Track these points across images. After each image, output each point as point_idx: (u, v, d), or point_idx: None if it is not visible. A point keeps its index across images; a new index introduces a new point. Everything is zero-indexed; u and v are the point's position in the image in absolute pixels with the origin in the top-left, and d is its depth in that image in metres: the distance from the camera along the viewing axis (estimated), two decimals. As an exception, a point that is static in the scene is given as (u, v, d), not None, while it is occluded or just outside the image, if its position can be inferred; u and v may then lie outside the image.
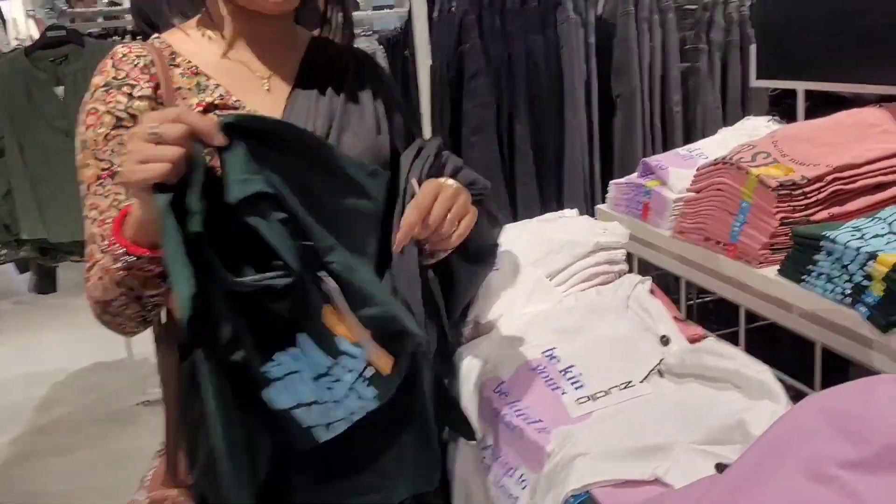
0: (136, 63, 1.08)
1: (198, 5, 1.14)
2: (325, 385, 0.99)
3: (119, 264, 0.96)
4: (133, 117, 1.06)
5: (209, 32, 1.15)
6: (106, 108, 1.06)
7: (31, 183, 2.96)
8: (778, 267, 1.35)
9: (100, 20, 4.15)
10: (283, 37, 1.18)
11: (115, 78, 1.07)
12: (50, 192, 2.96)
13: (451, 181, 1.06)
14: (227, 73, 1.12)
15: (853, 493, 0.73)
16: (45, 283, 3.88)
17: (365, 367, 1.00)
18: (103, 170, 1.06)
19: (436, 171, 1.15)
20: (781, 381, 1.11)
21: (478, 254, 1.20)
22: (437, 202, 1.00)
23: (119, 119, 1.06)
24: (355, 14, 4.08)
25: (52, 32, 3.17)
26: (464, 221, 1.03)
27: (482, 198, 1.17)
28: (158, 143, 0.85)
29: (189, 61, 1.12)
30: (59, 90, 3.08)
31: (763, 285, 1.39)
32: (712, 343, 1.22)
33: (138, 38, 3.51)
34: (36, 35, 6.53)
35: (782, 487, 0.77)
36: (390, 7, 4.61)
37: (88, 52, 3.13)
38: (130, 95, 1.06)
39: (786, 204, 1.38)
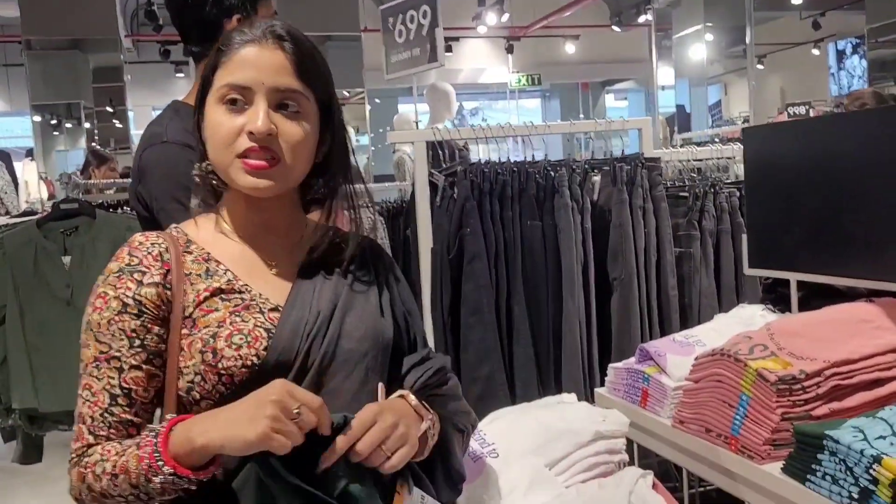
0: (150, 251, 1.13)
1: (207, 190, 1.21)
2: None
3: (157, 478, 0.98)
4: (139, 304, 1.09)
5: (221, 221, 1.20)
6: (115, 294, 1.09)
7: (26, 351, 2.96)
8: (782, 464, 1.34)
9: (114, 192, 4.29)
10: (289, 225, 1.22)
11: (128, 265, 1.12)
12: (43, 362, 2.96)
13: (397, 408, 1.09)
14: (237, 259, 1.17)
15: None
16: (31, 454, 3.77)
17: None
18: (101, 353, 1.08)
19: (434, 385, 1.19)
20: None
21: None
22: (370, 431, 1.03)
23: (125, 305, 1.09)
24: (359, 186, 4.24)
25: (65, 205, 3.27)
26: (397, 454, 1.04)
27: (463, 432, 1.24)
28: (293, 420, 0.96)
29: (202, 248, 1.17)
30: (66, 260, 3.15)
31: (767, 482, 1.37)
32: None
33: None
34: (45, 197, 6.75)
35: None
36: (391, 179, 4.80)
37: (99, 223, 3.23)
38: (140, 283, 1.10)
39: (785, 398, 1.38)
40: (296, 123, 1.12)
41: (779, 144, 1.94)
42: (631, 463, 1.69)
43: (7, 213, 5.10)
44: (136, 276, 1.11)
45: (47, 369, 2.93)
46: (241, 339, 1.08)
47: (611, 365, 2.02)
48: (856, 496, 1.15)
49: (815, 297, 1.91)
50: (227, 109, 1.11)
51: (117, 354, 1.08)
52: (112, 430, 1.06)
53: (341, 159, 1.22)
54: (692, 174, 2.76)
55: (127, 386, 1.07)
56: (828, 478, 1.21)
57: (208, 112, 1.14)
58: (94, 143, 9.01)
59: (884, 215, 1.59)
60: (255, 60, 1.11)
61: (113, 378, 1.07)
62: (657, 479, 1.43)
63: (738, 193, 2.56)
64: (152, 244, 1.14)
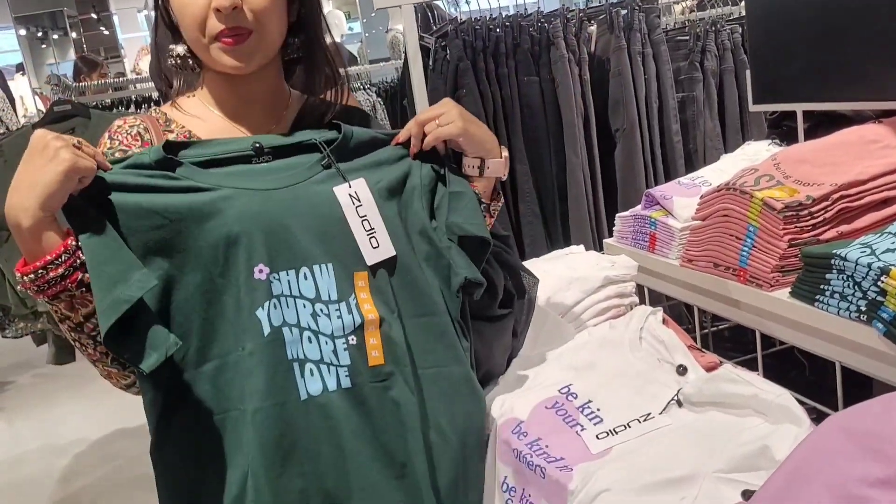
0: (129, 132, 1.14)
1: (183, 74, 1.18)
2: (316, 311, 1.07)
3: (31, 290, 0.98)
4: None
5: (204, 100, 1.19)
6: None
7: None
8: (790, 289, 1.34)
9: (108, 92, 4.21)
10: (272, 98, 1.21)
11: (109, 148, 1.13)
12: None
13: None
14: (219, 134, 1.16)
15: (884, 512, 0.71)
16: (63, 354, 3.88)
17: (354, 335, 1.08)
18: None
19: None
20: (803, 403, 1.09)
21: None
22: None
23: None
24: (353, 69, 4.14)
25: (58, 107, 3.22)
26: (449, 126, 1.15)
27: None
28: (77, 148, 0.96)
29: (183, 126, 1.17)
30: (66, 162, 3.12)
31: (776, 308, 1.37)
32: (728, 370, 1.20)
33: (143, 106, 3.57)
34: (44, 110, 6.67)
35: (811, 511, 0.76)
36: (386, 60, 4.68)
37: (95, 122, 3.18)
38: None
39: (793, 225, 1.37)
40: None
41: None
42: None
43: (7, 130, 5.04)
44: (117, 155, 1.10)
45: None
46: None
47: (618, 215, 2.01)
48: (864, 309, 1.16)
49: (821, 127, 1.87)
50: None
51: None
52: None
53: (313, 13, 1.18)
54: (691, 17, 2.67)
55: None
56: (836, 295, 1.22)
57: None
58: (83, 52, 8.82)
59: (888, 34, 1.53)
60: None
61: None
62: (667, 315, 1.44)
63: (740, 30, 2.47)
64: (130, 126, 1.15)
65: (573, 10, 2.45)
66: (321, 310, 1.07)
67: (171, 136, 1.15)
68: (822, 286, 1.25)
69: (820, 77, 1.78)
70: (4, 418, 4.31)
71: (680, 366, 1.30)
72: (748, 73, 2.03)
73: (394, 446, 1.11)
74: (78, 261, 0.97)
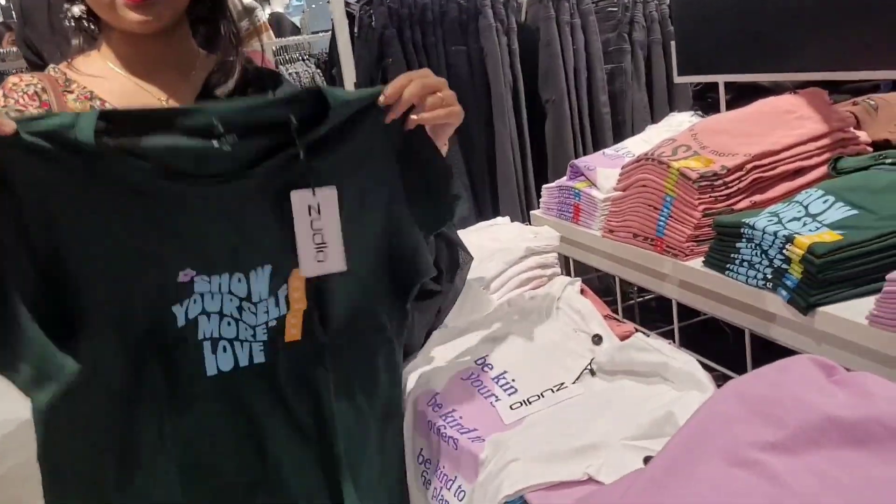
0: (26, 91, 1.07)
1: (84, 32, 1.12)
2: (243, 307, 0.98)
3: None
4: None
5: (106, 60, 1.13)
6: None
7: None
8: (703, 258, 1.36)
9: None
10: (181, 58, 1.15)
11: (3, 106, 1.05)
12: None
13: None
14: (123, 97, 1.10)
15: (774, 475, 0.72)
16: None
17: (276, 320, 1.01)
18: None
19: None
20: (714, 370, 1.10)
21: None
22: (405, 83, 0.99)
23: None
24: (293, 38, 4.05)
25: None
26: (435, 112, 1.00)
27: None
28: None
29: (84, 87, 1.10)
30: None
31: (691, 277, 1.39)
32: (640, 338, 1.21)
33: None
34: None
35: (705, 475, 0.76)
36: (326, 31, 4.59)
37: None
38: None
39: (707, 195, 1.39)
40: None
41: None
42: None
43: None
44: (13, 115, 1.03)
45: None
46: None
47: (544, 186, 2.01)
48: (769, 276, 1.17)
49: (743, 98, 1.89)
50: None
51: None
52: None
53: None
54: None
55: None
56: (745, 264, 1.23)
57: None
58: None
59: (805, 6, 1.55)
60: None
61: None
62: (585, 286, 1.45)
63: (668, 1, 2.48)
64: (27, 84, 1.08)
65: (502, -21, 2.42)
66: (248, 307, 0.99)
67: (70, 97, 1.08)
68: (732, 255, 1.27)
69: (741, 49, 1.80)
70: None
71: (595, 335, 1.30)
72: (674, 44, 2.04)
73: (308, 420, 1.07)
74: None
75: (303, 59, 3.50)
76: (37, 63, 1.55)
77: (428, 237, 1.13)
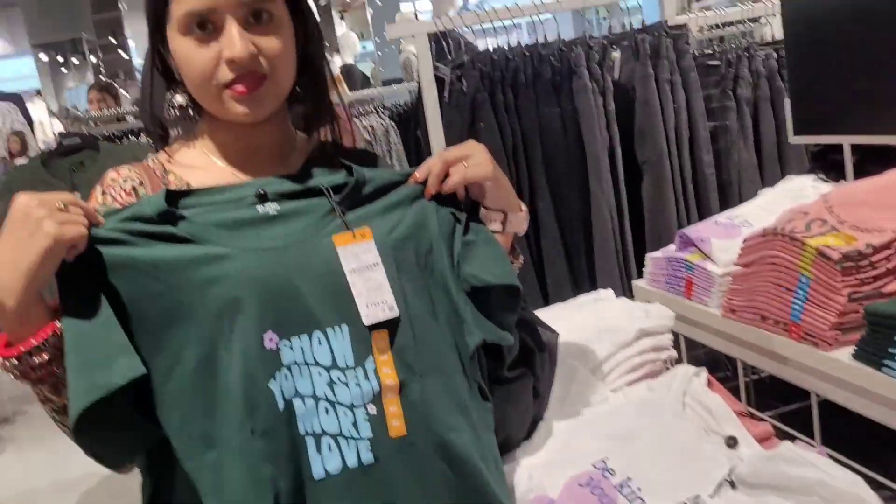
0: (123, 186, 1.06)
1: (185, 121, 1.09)
2: (333, 380, 0.96)
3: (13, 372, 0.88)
4: None
5: (205, 149, 1.11)
6: None
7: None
8: (852, 350, 1.20)
9: (114, 124, 4.15)
10: (280, 143, 1.12)
11: (102, 204, 1.05)
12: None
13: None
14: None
15: None
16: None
17: (373, 403, 0.97)
18: None
19: None
20: (867, 477, 0.95)
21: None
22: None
23: None
24: (366, 92, 4.04)
25: (66, 140, 3.15)
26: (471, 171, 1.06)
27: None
28: (63, 211, 0.87)
29: (181, 178, 1.08)
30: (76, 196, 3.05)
31: (836, 370, 1.24)
32: (790, 448, 1.06)
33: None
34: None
35: None
36: (399, 81, 4.59)
37: (104, 155, 3.11)
38: None
39: (851, 277, 1.24)
40: (273, 35, 0.99)
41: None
42: (678, 356, 1.58)
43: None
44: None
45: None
46: None
47: (648, 255, 1.88)
48: (944, 380, 1.02)
49: (871, 162, 1.73)
50: (195, 40, 0.97)
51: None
52: None
53: (318, 48, 1.09)
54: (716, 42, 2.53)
55: None
56: (908, 360, 1.08)
57: (175, 45, 1.00)
58: (100, 76, 8.88)
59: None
60: None
61: None
62: (710, 376, 1.30)
63: (775, 55, 2.34)
64: (125, 179, 1.07)
65: (596, 38, 2.32)
66: (338, 378, 0.96)
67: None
68: (890, 349, 1.12)
69: (868, 107, 1.65)
70: (15, 449, 4.24)
71: (730, 437, 1.16)
72: (787, 101, 1.90)
73: None
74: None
75: (377, 112, 3.46)
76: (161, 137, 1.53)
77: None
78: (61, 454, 4.26)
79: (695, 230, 1.73)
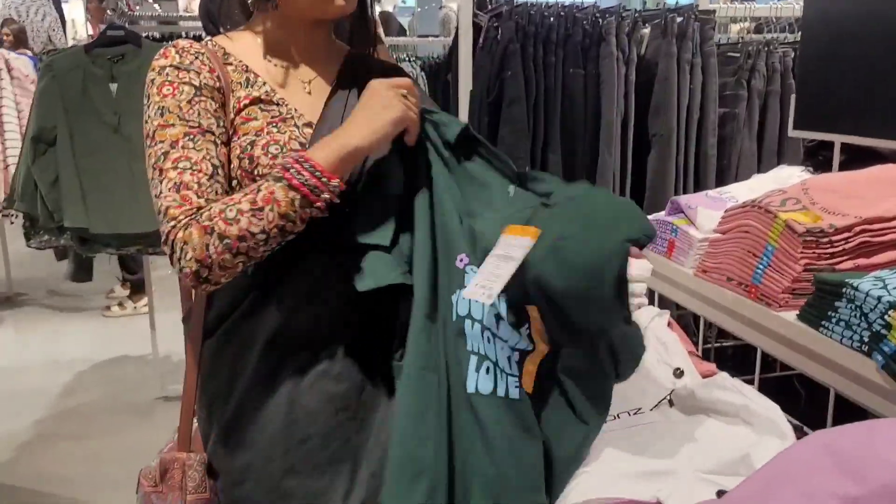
0: (196, 56, 1.13)
1: (248, 14, 1.21)
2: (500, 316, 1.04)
3: (324, 195, 1.04)
4: (210, 89, 1.11)
5: (258, 38, 1.20)
6: (181, 81, 1.10)
7: (77, 173, 3.03)
8: (798, 312, 1.36)
9: (155, 24, 4.26)
10: (324, 46, 1.23)
11: (181, 62, 1.12)
12: (93, 184, 3.02)
13: None
14: (273, 74, 1.17)
15: (848, 526, 0.74)
16: (82, 273, 3.98)
17: (520, 353, 1.06)
18: (192, 127, 1.08)
19: None
20: (793, 424, 1.11)
21: None
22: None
23: (198, 89, 1.10)
24: (401, 39, 4.16)
25: (111, 31, 3.25)
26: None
27: None
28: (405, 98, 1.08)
29: (240, 60, 1.17)
30: (113, 87, 3.15)
31: (782, 328, 1.39)
32: (724, 378, 1.23)
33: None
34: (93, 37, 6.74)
35: (779, 514, 0.78)
36: (435, 36, 4.68)
37: (145, 52, 3.20)
38: (199, 74, 1.11)
39: (811, 251, 1.39)
40: None
41: (843, 2, 1.85)
42: (650, 310, 1.73)
43: (55, 50, 5.09)
44: (192, 73, 1.11)
45: (97, 191, 2.98)
46: (276, 149, 1.10)
47: (642, 217, 2.02)
48: (867, 340, 1.18)
49: (856, 162, 1.87)
50: None
51: (210, 129, 1.09)
52: (221, 196, 1.07)
53: None
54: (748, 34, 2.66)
55: (221, 160, 1.09)
56: (842, 323, 1.24)
57: None
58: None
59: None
60: None
61: (211, 150, 1.08)
62: (673, 320, 1.46)
63: (792, 54, 2.47)
64: (196, 51, 1.14)
65: (629, 11, 2.45)
66: (500, 320, 1.05)
67: (229, 68, 1.15)
68: (829, 313, 1.27)
69: (862, 112, 1.78)
70: (12, 326, 4.40)
71: (677, 369, 1.32)
72: (794, 97, 2.03)
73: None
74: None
75: (409, 60, 3.59)
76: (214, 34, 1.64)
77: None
78: (57, 337, 4.44)
79: (685, 198, 1.87)
